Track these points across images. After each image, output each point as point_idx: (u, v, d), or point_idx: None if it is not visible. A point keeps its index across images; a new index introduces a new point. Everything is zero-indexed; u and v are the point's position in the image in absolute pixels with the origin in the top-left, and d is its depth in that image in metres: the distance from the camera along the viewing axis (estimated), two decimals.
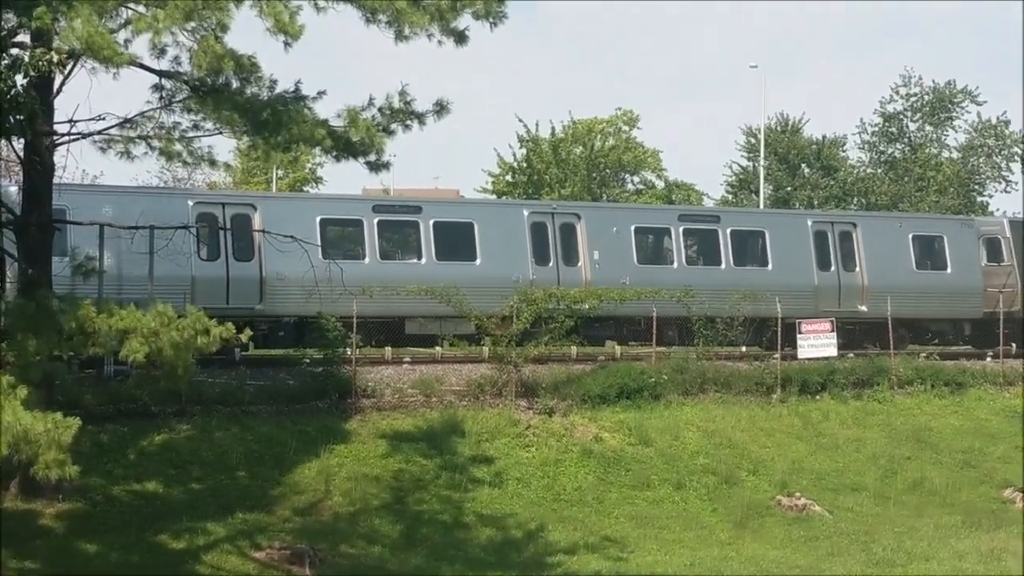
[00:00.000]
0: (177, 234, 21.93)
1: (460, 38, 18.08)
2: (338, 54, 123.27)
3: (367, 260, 29.90)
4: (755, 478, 26.18)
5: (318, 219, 29.44)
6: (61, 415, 13.62)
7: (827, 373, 30.70)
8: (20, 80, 14.67)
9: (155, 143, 19.15)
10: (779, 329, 30.99)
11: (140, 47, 16.42)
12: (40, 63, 14.48)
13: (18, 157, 19.63)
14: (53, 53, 14.63)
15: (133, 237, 23.34)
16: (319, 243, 27.38)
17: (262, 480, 23.05)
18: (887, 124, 62.47)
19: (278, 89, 17.53)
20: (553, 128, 60.31)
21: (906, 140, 62.47)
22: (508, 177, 59.45)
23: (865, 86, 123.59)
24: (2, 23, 15.03)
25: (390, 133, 18.57)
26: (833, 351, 31.40)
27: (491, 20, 17.99)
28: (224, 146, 66.35)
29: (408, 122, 18.61)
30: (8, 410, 13.08)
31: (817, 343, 31.31)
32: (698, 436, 27.44)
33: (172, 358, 14.53)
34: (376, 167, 18.73)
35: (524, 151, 59.19)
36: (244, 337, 15.84)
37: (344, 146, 17.80)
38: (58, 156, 19.57)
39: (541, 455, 25.59)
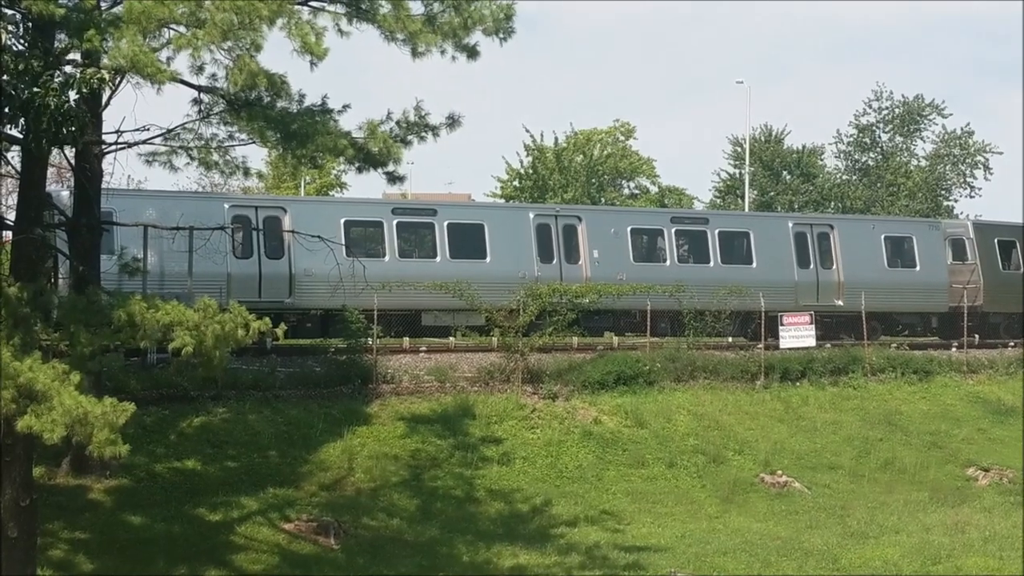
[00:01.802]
0: (214, 234, 21.89)
1: (472, 53, 17.93)
2: (361, 67, 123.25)
3: (387, 258, 29.92)
4: (740, 457, 26.19)
5: (342, 221, 29.44)
6: (115, 400, 13.62)
7: (806, 362, 30.71)
8: (72, 96, 14.66)
9: (194, 153, 19.17)
10: (762, 321, 31.00)
11: (180, 64, 16.43)
12: (92, 81, 14.47)
13: (70, 164, 19.64)
14: (103, 71, 14.61)
15: (174, 237, 23.33)
16: (343, 242, 27.37)
17: (291, 458, 23.08)
18: (861, 135, 62.44)
19: (306, 103, 17.49)
20: (556, 138, 60.39)
21: (878, 149, 62.41)
22: (515, 182, 59.40)
23: (841, 100, 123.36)
24: (56, 43, 15.05)
25: (407, 144, 18.51)
26: (812, 342, 31.39)
27: (500, 36, 17.83)
28: (257, 154, 66.47)
29: (423, 134, 18.52)
30: (66, 395, 13.09)
31: (797, 334, 31.30)
32: (688, 419, 27.46)
33: (211, 349, 14.49)
34: (394, 178, 18.70)
35: (530, 159, 59.15)
36: (279, 332, 15.82)
37: (365, 157, 17.74)
38: (106, 163, 19.62)
39: (545, 436, 25.61)
